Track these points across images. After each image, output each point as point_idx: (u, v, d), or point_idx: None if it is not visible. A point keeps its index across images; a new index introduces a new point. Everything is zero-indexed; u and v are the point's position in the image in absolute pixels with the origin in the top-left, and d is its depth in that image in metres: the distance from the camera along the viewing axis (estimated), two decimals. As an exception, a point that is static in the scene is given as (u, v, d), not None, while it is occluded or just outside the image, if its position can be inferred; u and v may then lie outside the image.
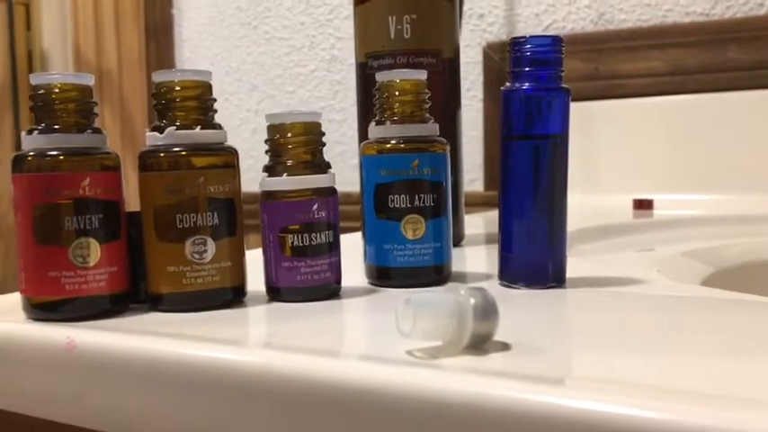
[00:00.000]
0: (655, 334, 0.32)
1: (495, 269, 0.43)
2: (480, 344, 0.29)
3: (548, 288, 0.40)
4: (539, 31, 1.01)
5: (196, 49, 1.30)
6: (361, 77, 0.58)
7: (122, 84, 1.37)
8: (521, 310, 0.36)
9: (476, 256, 0.56)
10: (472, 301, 0.28)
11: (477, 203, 0.99)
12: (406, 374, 0.26)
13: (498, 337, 0.29)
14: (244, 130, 1.24)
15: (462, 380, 0.25)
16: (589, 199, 0.86)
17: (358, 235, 0.57)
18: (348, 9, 1.16)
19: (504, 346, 0.29)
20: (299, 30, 1.20)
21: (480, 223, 0.79)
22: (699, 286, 0.49)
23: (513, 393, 0.24)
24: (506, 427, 0.24)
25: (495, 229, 0.74)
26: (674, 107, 0.91)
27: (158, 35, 1.34)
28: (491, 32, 1.04)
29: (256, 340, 0.34)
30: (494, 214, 0.87)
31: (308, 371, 0.28)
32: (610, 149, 0.92)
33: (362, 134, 0.58)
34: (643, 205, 0.86)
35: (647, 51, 0.93)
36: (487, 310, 0.29)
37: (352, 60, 1.18)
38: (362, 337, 0.35)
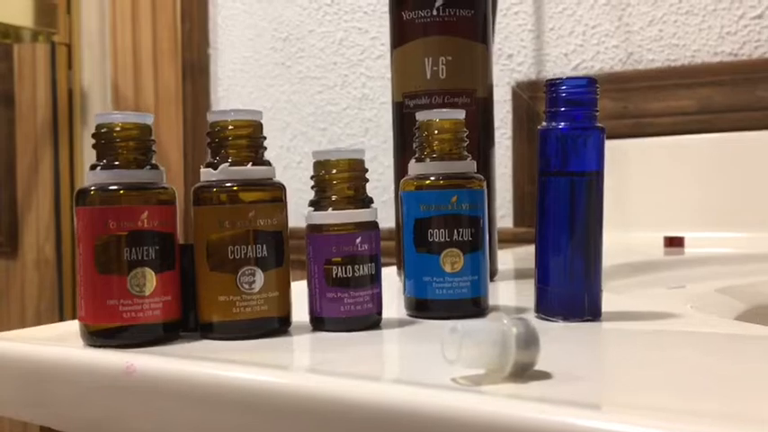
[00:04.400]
0: (691, 366, 0.33)
1: (529, 303, 0.44)
2: (522, 372, 0.30)
3: (584, 321, 0.41)
4: (568, 71, 1.03)
5: (230, 88, 1.34)
6: (397, 116, 0.60)
7: (159, 121, 1.41)
8: (560, 341, 0.37)
9: (510, 291, 0.57)
10: (515, 330, 0.30)
11: (508, 239, 1.00)
12: (452, 399, 0.27)
13: (539, 366, 0.30)
14: (277, 167, 1.27)
15: (506, 404, 0.26)
16: (619, 236, 0.87)
17: (390, 269, 0.59)
18: (379, 50, 1.19)
19: (545, 375, 0.30)
20: (331, 69, 1.23)
21: (510, 259, 0.80)
22: (735, 321, 0.50)
23: (556, 418, 0.25)
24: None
25: (526, 264, 0.75)
26: (703, 146, 0.92)
27: (194, 74, 1.38)
28: (520, 72, 1.06)
29: (305, 366, 0.36)
30: (524, 250, 0.89)
31: (355, 395, 0.29)
32: (640, 187, 0.93)
33: (398, 170, 0.60)
34: (674, 243, 0.86)
35: (676, 90, 0.94)
36: (530, 340, 0.30)
37: (383, 99, 1.20)
38: (407, 364, 0.36)
